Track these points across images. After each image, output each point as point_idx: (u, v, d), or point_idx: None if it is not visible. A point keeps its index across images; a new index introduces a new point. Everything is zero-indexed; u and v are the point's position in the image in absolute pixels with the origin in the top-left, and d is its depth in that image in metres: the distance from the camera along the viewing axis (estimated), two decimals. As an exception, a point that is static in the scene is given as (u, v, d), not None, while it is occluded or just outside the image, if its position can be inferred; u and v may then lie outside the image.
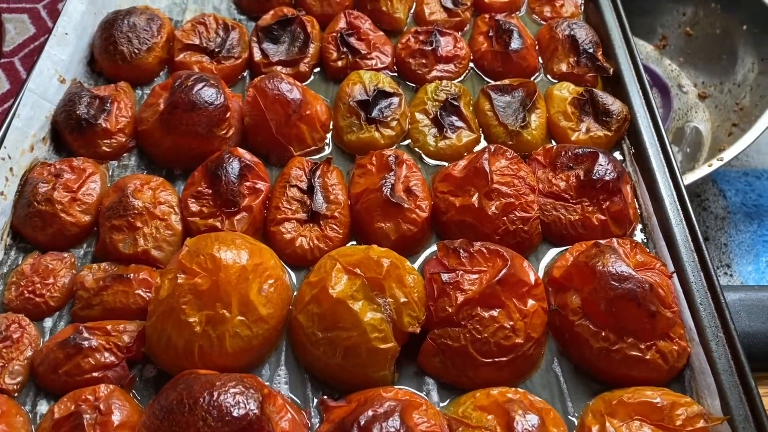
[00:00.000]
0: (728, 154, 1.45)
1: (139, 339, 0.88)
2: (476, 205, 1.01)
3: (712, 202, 1.65)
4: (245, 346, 0.86)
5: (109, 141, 1.12)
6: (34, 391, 0.87)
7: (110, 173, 1.11)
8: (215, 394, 0.75)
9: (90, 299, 0.92)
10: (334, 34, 1.30)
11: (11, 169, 1.04)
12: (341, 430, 0.77)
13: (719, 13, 1.82)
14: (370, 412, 0.76)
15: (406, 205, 1.01)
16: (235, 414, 0.74)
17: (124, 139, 1.13)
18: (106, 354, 0.86)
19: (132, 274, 0.93)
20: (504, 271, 0.89)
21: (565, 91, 1.22)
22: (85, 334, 0.86)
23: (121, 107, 1.15)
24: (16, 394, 0.86)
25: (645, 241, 1.05)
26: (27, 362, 0.88)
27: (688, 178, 1.42)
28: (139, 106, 1.18)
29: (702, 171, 1.45)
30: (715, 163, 1.45)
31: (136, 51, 1.23)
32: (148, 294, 0.92)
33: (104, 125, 1.11)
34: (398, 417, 0.76)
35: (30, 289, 0.94)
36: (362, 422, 0.75)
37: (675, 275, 0.96)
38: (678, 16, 1.91)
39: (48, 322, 0.94)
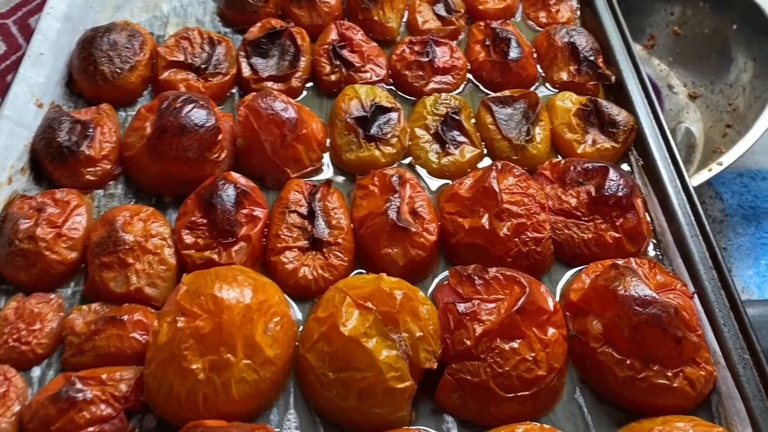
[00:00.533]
0: (728, 158, 1.43)
1: (137, 387, 0.81)
2: (487, 227, 0.96)
3: (709, 206, 1.63)
4: (252, 391, 0.81)
5: (93, 169, 1.05)
6: (24, 450, 0.81)
7: (96, 203, 1.04)
8: (226, 450, 0.70)
9: (81, 345, 0.86)
10: (326, 46, 1.24)
11: (-12, 204, 0.97)
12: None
13: (708, 12, 1.79)
14: (394, 462, 0.71)
15: (413, 229, 0.96)
16: (248, 472, 0.69)
17: (109, 167, 1.06)
18: (102, 406, 0.79)
19: (126, 316, 0.87)
20: (523, 299, 0.85)
21: (568, 101, 1.18)
22: (79, 385, 0.80)
23: (105, 132, 1.07)
24: (3, 455, 0.80)
25: (660, 257, 1.01)
26: (15, 419, 0.80)
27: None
28: (123, 130, 1.11)
29: (702, 176, 1.42)
30: (715, 168, 1.42)
31: (118, 70, 1.15)
32: (144, 337, 0.86)
33: (87, 152, 1.04)
34: (423, 466, 0.71)
35: (15, 336, 0.86)
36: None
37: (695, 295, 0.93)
38: (666, 15, 1.88)
39: (36, 372, 0.87)
